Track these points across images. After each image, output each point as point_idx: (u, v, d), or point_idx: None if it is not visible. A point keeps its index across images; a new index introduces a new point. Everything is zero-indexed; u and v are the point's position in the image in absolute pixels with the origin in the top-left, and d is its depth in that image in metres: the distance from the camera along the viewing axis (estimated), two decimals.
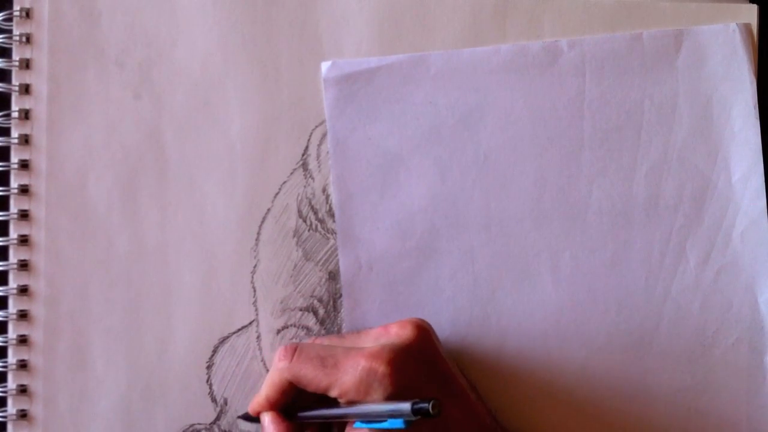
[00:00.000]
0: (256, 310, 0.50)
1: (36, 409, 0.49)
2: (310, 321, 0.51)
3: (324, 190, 0.51)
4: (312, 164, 0.51)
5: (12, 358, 0.49)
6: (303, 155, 0.51)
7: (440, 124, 0.51)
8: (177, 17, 0.51)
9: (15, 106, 0.50)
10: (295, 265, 0.51)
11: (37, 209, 0.50)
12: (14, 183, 0.50)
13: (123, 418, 0.50)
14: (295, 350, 0.45)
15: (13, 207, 0.50)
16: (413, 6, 0.51)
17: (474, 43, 0.51)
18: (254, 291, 0.50)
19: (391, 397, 0.42)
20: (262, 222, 0.51)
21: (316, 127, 0.51)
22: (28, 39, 0.50)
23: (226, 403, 0.50)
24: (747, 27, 0.51)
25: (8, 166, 0.50)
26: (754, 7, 0.52)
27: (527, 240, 0.51)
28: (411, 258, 0.50)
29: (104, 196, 0.50)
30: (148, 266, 0.50)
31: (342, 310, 0.50)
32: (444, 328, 0.50)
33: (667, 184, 0.51)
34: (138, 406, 0.50)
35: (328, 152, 0.51)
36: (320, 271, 0.51)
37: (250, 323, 0.50)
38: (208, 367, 0.50)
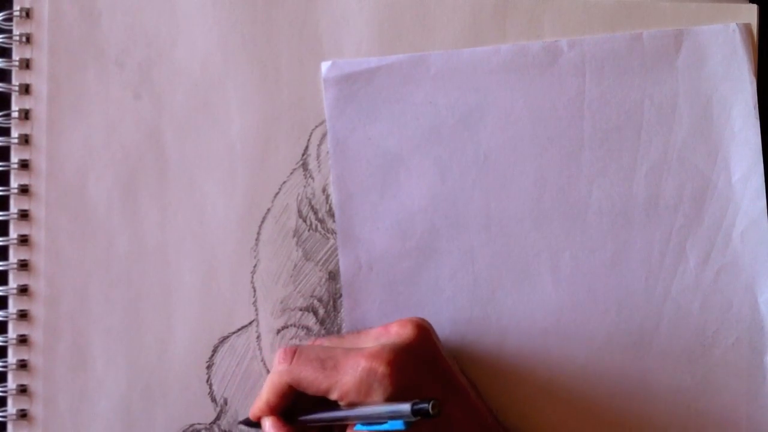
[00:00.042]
0: (256, 310, 0.50)
1: (36, 409, 0.49)
2: (310, 321, 0.51)
3: (324, 190, 0.51)
4: (312, 164, 0.51)
5: (12, 358, 0.49)
6: (303, 155, 0.51)
7: (440, 124, 0.51)
8: (177, 17, 0.51)
9: (15, 106, 0.50)
10: (295, 265, 0.51)
11: (37, 209, 0.50)
12: (14, 183, 0.50)
13: (123, 418, 0.50)
14: (294, 353, 0.45)
15: (13, 207, 0.50)
16: (413, 6, 0.51)
17: (474, 43, 0.51)
18: (254, 291, 0.50)
19: (391, 398, 0.42)
20: (262, 222, 0.51)
21: (316, 127, 0.51)
22: (28, 39, 0.50)
23: (226, 403, 0.50)
24: (747, 27, 0.51)
25: (8, 166, 0.50)
26: (754, 7, 0.52)
27: (527, 240, 0.51)
28: (411, 258, 0.50)
29: (104, 196, 0.50)
30: (148, 266, 0.50)
31: (342, 310, 0.50)
32: (444, 327, 0.50)
33: (667, 184, 0.51)
34: (138, 406, 0.50)
35: (328, 152, 0.51)
36: (320, 271, 0.51)
37: (250, 323, 0.50)
38: (208, 367, 0.50)
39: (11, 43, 0.50)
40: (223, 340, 0.50)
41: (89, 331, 0.50)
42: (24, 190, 0.50)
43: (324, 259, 0.51)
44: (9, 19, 0.50)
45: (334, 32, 0.51)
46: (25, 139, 0.50)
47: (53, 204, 0.50)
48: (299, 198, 0.51)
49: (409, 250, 0.51)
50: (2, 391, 0.49)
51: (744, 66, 0.51)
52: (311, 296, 0.51)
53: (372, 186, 0.51)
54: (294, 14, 0.51)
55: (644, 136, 0.51)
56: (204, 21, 0.51)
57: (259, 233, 0.51)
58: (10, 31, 0.50)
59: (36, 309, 0.50)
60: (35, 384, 0.49)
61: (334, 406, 0.44)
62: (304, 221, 0.51)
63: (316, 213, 0.51)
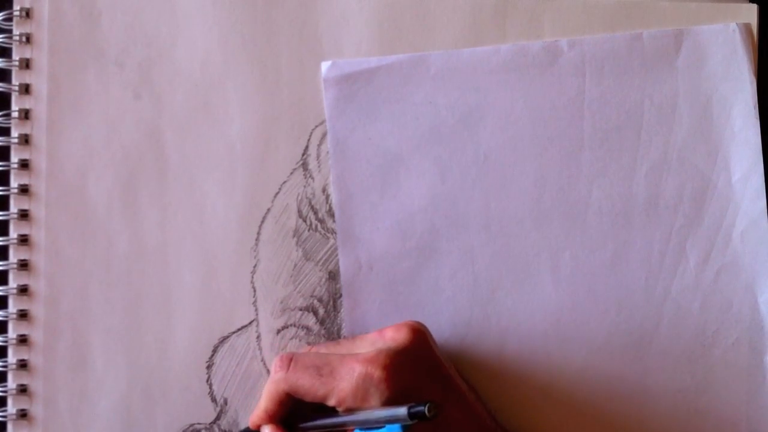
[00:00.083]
0: (256, 310, 0.50)
1: (36, 409, 0.49)
2: (310, 321, 0.51)
3: (324, 190, 0.51)
4: (312, 164, 0.51)
5: (12, 358, 0.49)
6: (303, 155, 0.51)
7: (440, 124, 0.51)
8: (177, 17, 0.51)
9: (15, 106, 0.50)
10: (295, 265, 0.51)
11: (37, 209, 0.50)
12: (14, 183, 0.50)
13: (123, 418, 0.50)
14: (290, 360, 0.45)
15: (13, 207, 0.50)
16: (413, 6, 0.51)
17: (474, 43, 0.51)
18: (254, 291, 0.50)
19: (388, 402, 0.42)
20: (262, 222, 0.51)
21: (316, 127, 0.51)
22: (28, 39, 0.50)
23: (226, 403, 0.50)
24: (747, 27, 0.51)
25: (8, 166, 0.50)
26: (754, 7, 0.52)
27: (527, 240, 0.51)
28: (411, 258, 0.50)
29: (104, 196, 0.50)
30: (148, 266, 0.50)
31: (342, 310, 0.50)
32: (444, 328, 0.50)
33: (667, 184, 0.51)
34: (138, 406, 0.50)
35: (328, 152, 0.51)
36: (320, 271, 0.51)
37: (250, 323, 0.50)
38: (208, 367, 0.50)
39: (11, 43, 0.50)
40: (223, 340, 0.50)
41: (89, 331, 0.50)
42: (24, 190, 0.50)
43: (324, 259, 0.51)
44: (9, 19, 0.50)
45: (334, 32, 0.51)
46: (25, 139, 0.50)
47: (53, 204, 0.50)
48: (299, 198, 0.51)
49: (409, 250, 0.51)
50: (2, 391, 0.49)
51: (744, 66, 0.51)
52: (311, 296, 0.51)
53: (372, 186, 0.51)
54: (294, 14, 0.51)
55: (644, 136, 0.51)
56: (204, 21, 0.51)
57: (259, 233, 0.51)
58: (10, 31, 0.50)
59: (36, 309, 0.50)
60: (35, 384, 0.49)
61: (332, 412, 0.44)
62: (304, 221, 0.51)
63: (316, 213, 0.51)
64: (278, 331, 0.50)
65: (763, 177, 0.51)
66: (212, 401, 0.50)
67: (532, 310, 0.50)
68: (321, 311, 0.51)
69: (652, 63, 0.51)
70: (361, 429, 0.42)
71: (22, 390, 0.49)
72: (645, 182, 0.51)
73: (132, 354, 0.50)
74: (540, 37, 0.51)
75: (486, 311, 0.50)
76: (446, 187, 0.51)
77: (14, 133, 0.50)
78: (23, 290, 0.50)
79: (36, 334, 0.49)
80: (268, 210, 0.51)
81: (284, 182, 0.51)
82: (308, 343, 0.50)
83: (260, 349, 0.50)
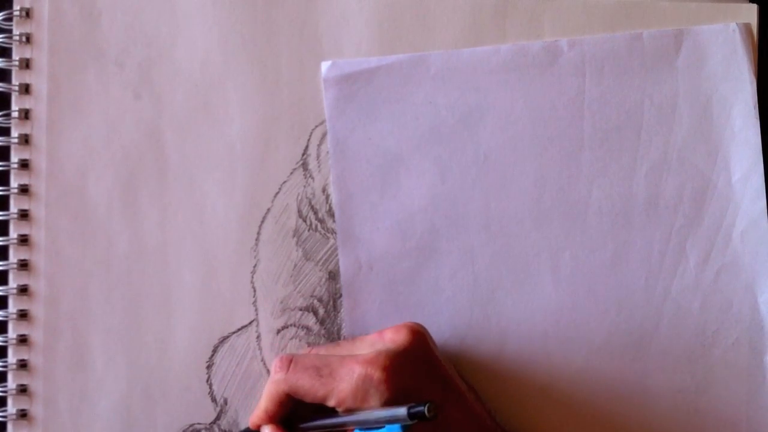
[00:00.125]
0: (256, 310, 0.50)
1: (36, 409, 0.49)
2: (310, 321, 0.51)
3: (324, 190, 0.51)
4: (312, 164, 0.51)
5: (12, 358, 0.49)
6: (303, 155, 0.51)
7: (440, 124, 0.51)
8: (177, 17, 0.51)
9: (15, 106, 0.50)
10: (295, 265, 0.51)
11: (37, 209, 0.50)
12: (14, 183, 0.50)
13: (123, 418, 0.50)
14: (290, 361, 0.45)
15: (13, 207, 0.50)
16: (413, 6, 0.51)
17: (474, 43, 0.51)
18: (254, 291, 0.50)
19: (388, 403, 0.42)
20: (262, 222, 0.51)
21: (316, 127, 0.51)
22: (28, 39, 0.50)
23: (226, 402, 0.50)
24: (747, 27, 0.51)
25: (8, 166, 0.50)
26: (754, 7, 0.52)
27: (527, 240, 0.51)
28: (411, 258, 0.50)
29: (104, 196, 0.50)
30: (148, 266, 0.50)
31: (342, 310, 0.50)
32: (444, 328, 0.50)
33: (667, 184, 0.51)
34: (138, 406, 0.50)
35: (328, 152, 0.51)
36: (320, 271, 0.51)
37: (250, 323, 0.50)
38: (208, 367, 0.50)
39: (11, 43, 0.50)
40: (223, 340, 0.50)
41: (89, 331, 0.50)
42: (24, 190, 0.50)
43: (324, 259, 0.51)
44: (9, 19, 0.50)
45: (334, 32, 0.51)
46: (25, 139, 0.50)
47: (53, 204, 0.50)
48: (299, 198, 0.51)
49: (409, 250, 0.51)
50: (2, 391, 0.49)
51: (744, 66, 0.51)
52: (311, 296, 0.51)
53: (372, 186, 0.51)
54: (294, 14, 0.51)
55: (644, 136, 0.51)
56: (204, 21, 0.51)
57: (259, 233, 0.51)
58: (10, 31, 0.50)
59: (36, 309, 0.50)
60: (35, 384, 0.49)
61: (332, 412, 0.44)
62: (304, 221, 0.51)
63: (316, 213, 0.51)
64: (278, 331, 0.51)
65: (763, 177, 0.51)
66: (212, 401, 0.50)
67: (532, 310, 0.50)
68: (321, 311, 0.51)
69: (652, 63, 0.51)
70: (360, 429, 0.42)
71: (22, 390, 0.49)
72: (645, 182, 0.51)
73: (132, 354, 0.50)
74: (540, 37, 0.51)
75: (486, 311, 0.50)
76: (446, 187, 0.51)
77: (14, 133, 0.50)
78: (23, 290, 0.50)
79: (36, 334, 0.49)
80: (268, 210, 0.51)
81: (284, 182, 0.51)
82: (308, 344, 0.50)
83: (260, 349, 0.50)
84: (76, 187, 0.50)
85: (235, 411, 0.50)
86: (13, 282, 0.50)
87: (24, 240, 0.50)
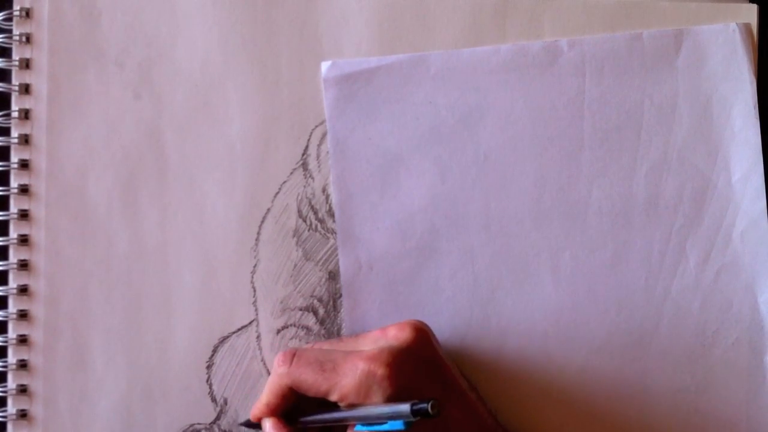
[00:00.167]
0: (256, 310, 0.50)
1: (36, 409, 0.49)
2: (310, 321, 0.51)
3: (324, 190, 0.51)
4: (312, 164, 0.51)
5: (12, 358, 0.49)
6: (303, 155, 0.51)
7: (440, 124, 0.51)
8: (177, 17, 0.51)
9: (15, 106, 0.50)
10: (295, 265, 0.51)
11: (37, 209, 0.50)
12: (14, 183, 0.50)
13: (123, 418, 0.50)
14: (293, 355, 0.45)
15: (13, 207, 0.50)
16: (413, 6, 0.51)
17: (474, 43, 0.51)
18: (254, 291, 0.50)
19: (390, 399, 0.42)
20: (262, 222, 0.51)
21: (316, 127, 0.51)
22: (28, 39, 0.50)
23: (226, 403, 0.50)
24: (747, 27, 0.51)
25: (8, 166, 0.50)
26: (754, 7, 0.52)
27: (527, 240, 0.51)
28: (411, 258, 0.50)
29: (104, 196, 0.50)
30: (148, 266, 0.50)
31: (342, 310, 0.50)
32: (444, 328, 0.50)
33: (667, 184, 0.51)
34: (138, 406, 0.50)
35: (328, 152, 0.51)
36: (320, 271, 0.51)
37: (250, 323, 0.50)
38: (208, 367, 0.50)
39: (11, 43, 0.50)
40: (223, 340, 0.50)
41: (89, 331, 0.50)
42: (24, 190, 0.50)
43: (324, 259, 0.51)
44: (9, 19, 0.50)
45: (334, 32, 0.51)
46: (25, 139, 0.50)
47: (53, 204, 0.50)
48: (299, 198, 0.51)
49: (409, 250, 0.51)
50: (2, 391, 0.49)
51: (744, 66, 0.51)
52: (311, 296, 0.51)
53: (372, 186, 0.51)
54: (294, 14, 0.51)
55: (644, 136, 0.51)
56: (204, 21, 0.51)
57: (259, 233, 0.51)
58: (10, 31, 0.50)
59: (36, 309, 0.50)
60: (35, 384, 0.49)
61: (334, 407, 0.44)
62: (304, 221, 0.51)
63: (316, 213, 0.51)
64: (278, 331, 0.51)
65: (763, 177, 0.51)
66: (212, 401, 0.50)
67: (532, 310, 0.50)
68: (321, 311, 0.51)
69: (652, 63, 0.51)
70: (362, 425, 0.42)
71: (22, 390, 0.49)
72: (645, 182, 0.51)
73: (132, 354, 0.50)
74: (540, 37, 0.51)
75: (486, 311, 0.50)
76: (446, 187, 0.51)
77: (14, 133, 0.50)
78: (23, 290, 0.50)
79: (36, 334, 0.49)
80: (268, 210, 0.51)
81: (284, 182, 0.51)
82: (308, 343, 0.50)
83: (260, 349, 0.50)
84: (76, 187, 0.50)
85: (235, 411, 0.50)
86: (13, 282, 0.50)
87: (24, 240, 0.50)
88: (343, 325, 0.50)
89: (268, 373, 0.50)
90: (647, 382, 0.50)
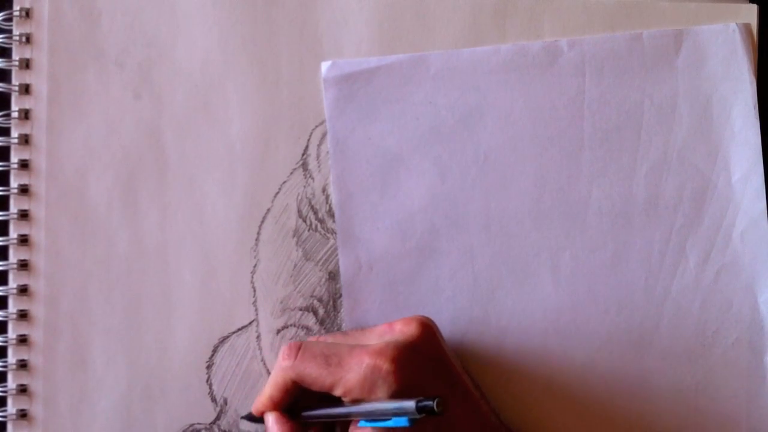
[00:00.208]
0: (256, 310, 0.50)
1: (36, 409, 0.49)
2: (310, 321, 0.51)
3: (324, 190, 0.51)
4: (312, 164, 0.51)
5: (12, 358, 0.49)
6: (303, 155, 0.51)
7: (440, 124, 0.51)
8: (177, 17, 0.51)
9: (15, 106, 0.50)
10: (295, 265, 0.51)
11: (37, 209, 0.50)
12: (14, 183, 0.50)
13: (123, 418, 0.50)
14: (298, 349, 0.45)
15: (13, 207, 0.50)
16: (413, 6, 0.51)
17: (474, 43, 0.51)
18: (254, 291, 0.50)
19: (395, 395, 0.42)
20: (262, 222, 0.51)
21: (316, 127, 0.51)
22: (28, 39, 0.50)
23: (226, 403, 0.50)
24: (747, 27, 0.51)
25: (8, 166, 0.50)
26: (754, 7, 0.52)
27: (527, 240, 0.51)
28: (411, 258, 0.50)
29: (104, 196, 0.50)
30: (148, 266, 0.50)
31: (342, 310, 0.50)
32: (444, 327, 0.50)
33: (667, 184, 0.51)
34: (138, 406, 0.50)
35: (328, 152, 0.51)
36: (320, 271, 0.51)
37: (250, 323, 0.50)
38: (208, 367, 0.50)
39: (11, 43, 0.50)
40: (223, 340, 0.50)
41: (89, 331, 0.50)
42: (24, 190, 0.50)
43: (324, 259, 0.51)
44: (9, 19, 0.50)
45: (334, 32, 0.51)
46: (25, 139, 0.50)
47: (53, 204, 0.50)
48: (299, 198, 0.51)
49: (409, 250, 0.51)
50: (2, 391, 0.49)
51: (744, 66, 0.51)
52: (311, 296, 0.51)
53: (372, 186, 0.51)
54: (294, 14, 0.51)
55: (644, 136, 0.51)
56: (204, 21, 0.51)
57: (259, 233, 0.51)
58: (10, 31, 0.50)
59: (36, 309, 0.50)
60: (35, 384, 0.49)
61: (337, 402, 0.44)
62: (304, 221, 0.51)
63: (316, 213, 0.51)
64: (278, 331, 0.50)
65: (763, 177, 0.51)
66: (212, 401, 0.50)
67: (532, 309, 0.50)
68: (321, 311, 0.51)
69: (652, 63, 0.51)
70: (366, 420, 0.42)
71: (22, 390, 0.49)
72: (645, 182, 0.51)
73: (132, 354, 0.50)
74: (540, 37, 0.51)
75: (486, 311, 0.50)
76: (446, 187, 0.51)
77: (14, 133, 0.50)
78: (23, 290, 0.50)
79: (36, 334, 0.49)
80: (268, 210, 0.51)
81: (284, 182, 0.51)
82: (313, 336, 0.50)
83: (260, 349, 0.50)
84: (76, 187, 0.50)
85: (235, 411, 0.50)
86: (13, 282, 0.50)
87: (24, 240, 0.50)
88: (343, 325, 0.50)
89: (268, 373, 0.50)
90: (647, 382, 0.50)
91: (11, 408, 0.49)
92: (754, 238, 0.51)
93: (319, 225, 0.51)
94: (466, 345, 0.50)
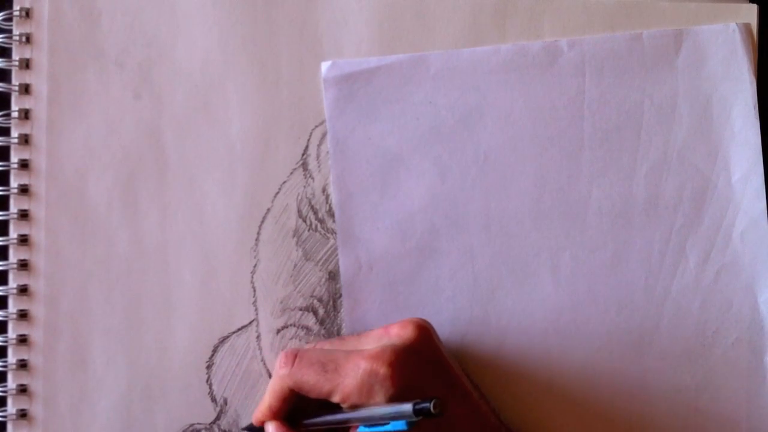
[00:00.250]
0: (256, 309, 0.50)
1: (36, 409, 0.49)
2: (310, 321, 0.51)
3: (324, 190, 0.51)
4: (312, 164, 0.51)
5: (12, 358, 0.49)
6: (303, 155, 0.51)
7: (440, 124, 0.51)
8: (177, 17, 0.51)
9: (15, 106, 0.50)
10: (295, 265, 0.51)
11: (37, 209, 0.50)
12: (14, 183, 0.50)
13: (123, 418, 0.50)
14: (295, 356, 0.45)
15: (13, 207, 0.50)
16: (413, 6, 0.51)
17: (474, 43, 0.51)
18: (254, 291, 0.50)
19: (393, 399, 0.42)
20: (262, 222, 0.51)
21: (316, 127, 0.51)
22: (28, 39, 0.50)
23: (226, 403, 0.50)
24: (747, 27, 0.51)
25: (8, 166, 0.50)
26: (754, 7, 0.52)
27: (527, 240, 0.51)
28: (411, 258, 0.50)
29: (104, 196, 0.50)
30: (148, 266, 0.50)
31: (342, 310, 0.50)
32: (444, 327, 0.50)
33: (667, 184, 0.51)
34: (138, 406, 0.50)
35: (328, 152, 0.51)
36: (320, 271, 0.51)
37: (250, 323, 0.50)
38: (208, 367, 0.50)
39: (11, 43, 0.50)
40: (223, 340, 0.50)
41: (89, 331, 0.50)
42: (24, 190, 0.50)
43: (324, 259, 0.51)
44: (9, 19, 0.50)
45: (334, 32, 0.51)
46: (25, 139, 0.50)
47: (53, 204, 0.50)
48: (299, 198, 0.51)
49: (409, 250, 0.51)
50: (2, 391, 0.49)
51: (744, 66, 0.51)
52: (311, 296, 0.51)
53: (372, 186, 0.51)
54: (294, 14, 0.51)
55: (644, 136, 0.51)
56: (204, 21, 0.51)
57: (259, 233, 0.51)
58: (10, 31, 0.50)
59: (36, 309, 0.50)
60: (35, 384, 0.49)
61: (336, 408, 0.44)
62: (304, 221, 0.51)
63: (316, 213, 0.51)
64: (278, 331, 0.50)
65: (763, 177, 0.51)
66: (212, 401, 0.50)
67: (532, 309, 0.50)
68: (321, 311, 0.51)
69: (652, 63, 0.51)
70: (365, 425, 0.42)
71: (22, 390, 0.49)
72: (645, 182, 0.51)
73: (132, 354, 0.50)
74: (540, 37, 0.51)
75: (486, 311, 0.50)
76: (446, 187, 0.51)
77: (14, 133, 0.50)
78: (23, 290, 0.50)
79: (36, 334, 0.49)
80: (268, 210, 0.51)
81: (284, 182, 0.51)
82: (309, 343, 0.50)
83: (260, 349, 0.50)
84: (76, 187, 0.50)
85: (235, 411, 0.50)
86: (13, 282, 0.50)
87: (24, 240, 0.50)
88: (343, 325, 0.50)
89: (269, 373, 0.50)
90: (647, 382, 0.50)
91: (11, 408, 0.49)
92: (754, 238, 0.51)
93: (319, 225, 0.51)
94: (466, 345, 0.50)
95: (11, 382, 0.49)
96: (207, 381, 0.50)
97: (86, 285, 0.50)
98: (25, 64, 0.50)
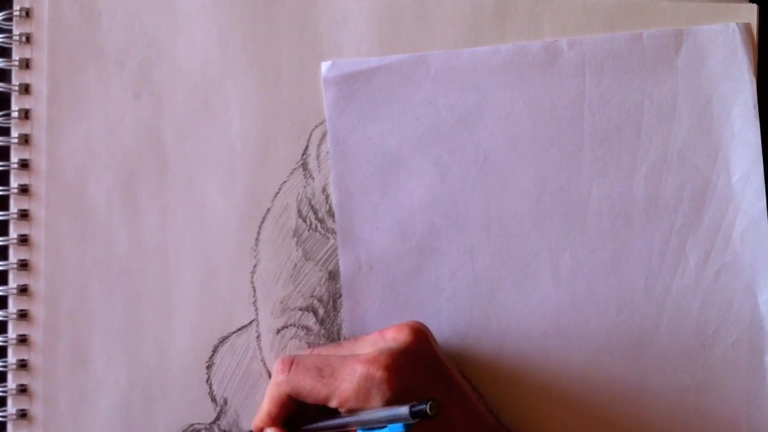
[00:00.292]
0: (256, 309, 0.50)
1: (36, 408, 0.49)
2: (310, 321, 0.51)
3: (324, 190, 0.51)
4: (312, 164, 0.51)
5: (12, 358, 0.49)
6: (303, 155, 0.51)
7: (440, 124, 0.51)
8: (177, 17, 0.51)
9: (15, 106, 0.50)
10: (295, 265, 0.51)
11: (37, 209, 0.50)
12: (14, 183, 0.50)
13: (123, 418, 0.50)
14: (291, 363, 0.45)
15: (13, 207, 0.50)
16: (413, 6, 0.51)
17: (474, 43, 0.51)
18: (254, 291, 0.50)
19: (390, 402, 0.42)
20: (262, 222, 0.51)
21: (316, 127, 0.51)
22: (28, 39, 0.50)
23: (226, 402, 0.50)
24: (747, 27, 0.51)
25: (8, 166, 0.50)
26: (754, 7, 0.52)
27: (527, 240, 0.51)
28: (411, 258, 0.50)
29: (104, 196, 0.50)
30: (148, 266, 0.50)
31: (342, 310, 0.50)
32: (444, 328, 0.50)
33: (667, 184, 0.51)
34: (138, 406, 0.50)
35: (328, 152, 0.51)
36: (320, 271, 0.51)
37: (250, 323, 0.50)
38: (208, 367, 0.50)
39: (11, 43, 0.50)
40: (223, 340, 0.50)
41: (89, 331, 0.50)
42: (24, 190, 0.50)
43: (324, 259, 0.51)
44: (9, 19, 0.50)
45: (334, 32, 0.51)
46: (25, 139, 0.50)
47: (53, 204, 0.50)
48: (299, 198, 0.51)
49: (409, 250, 0.51)
50: (2, 391, 0.49)
51: (744, 66, 0.51)
52: (311, 296, 0.51)
53: (372, 186, 0.51)
54: (294, 14, 0.51)
55: (644, 136, 0.51)
56: (204, 21, 0.51)
57: (259, 233, 0.51)
58: (10, 31, 0.50)
59: (36, 309, 0.50)
60: (35, 384, 0.49)
61: (334, 413, 0.44)
62: (304, 221, 0.51)
63: (316, 213, 0.51)
64: (278, 331, 0.51)
65: (763, 177, 0.51)
66: (212, 401, 0.50)
67: (532, 309, 0.50)
68: (321, 311, 0.51)
69: (652, 63, 0.51)
70: (363, 429, 0.42)
71: (22, 390, 0.49)
72: (645, 182, 0.51)
73: (132, 354, 0.50)
74: (540, 37, 0.51)
75: (486, 311, 0.50)
76: (446, 187, 0.51)
77: (14, 133, 0.50)
78: (23, 290, 0.50)
79: (36, 334, 0.49)
80: (268, 210, 0.51)
81: (284, 182, 0.51)
82: (308, 344, 0.50)
83: (260, 349, 0.50)
84: (76, 187, 0.50)
85: (235, 411, 0.50)
86: (13, 282, 0.50)
87: (24, 240, 0.50)
88: (343, 325, 0.50)
89: (269, 373, 0.50)
90: (647, 382, 0.50)
91: (11, 408, 0.49)
92: (754, 238, 0.51)
93: (319, 225, 0.51)
94: (466, 345, 0.50)
95: (11, 382, 0.49)
96: (207, 381, 0.50)
97: (86, 285, 0.50)
98: (25, 64, 0.50)
